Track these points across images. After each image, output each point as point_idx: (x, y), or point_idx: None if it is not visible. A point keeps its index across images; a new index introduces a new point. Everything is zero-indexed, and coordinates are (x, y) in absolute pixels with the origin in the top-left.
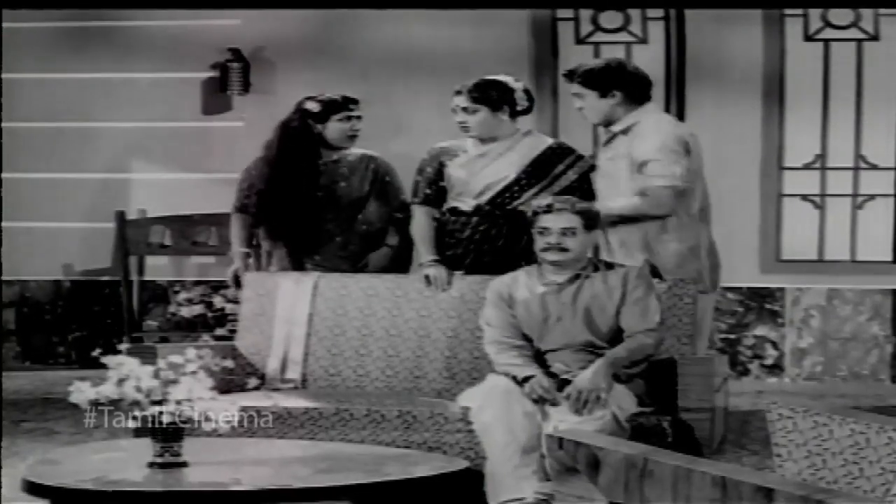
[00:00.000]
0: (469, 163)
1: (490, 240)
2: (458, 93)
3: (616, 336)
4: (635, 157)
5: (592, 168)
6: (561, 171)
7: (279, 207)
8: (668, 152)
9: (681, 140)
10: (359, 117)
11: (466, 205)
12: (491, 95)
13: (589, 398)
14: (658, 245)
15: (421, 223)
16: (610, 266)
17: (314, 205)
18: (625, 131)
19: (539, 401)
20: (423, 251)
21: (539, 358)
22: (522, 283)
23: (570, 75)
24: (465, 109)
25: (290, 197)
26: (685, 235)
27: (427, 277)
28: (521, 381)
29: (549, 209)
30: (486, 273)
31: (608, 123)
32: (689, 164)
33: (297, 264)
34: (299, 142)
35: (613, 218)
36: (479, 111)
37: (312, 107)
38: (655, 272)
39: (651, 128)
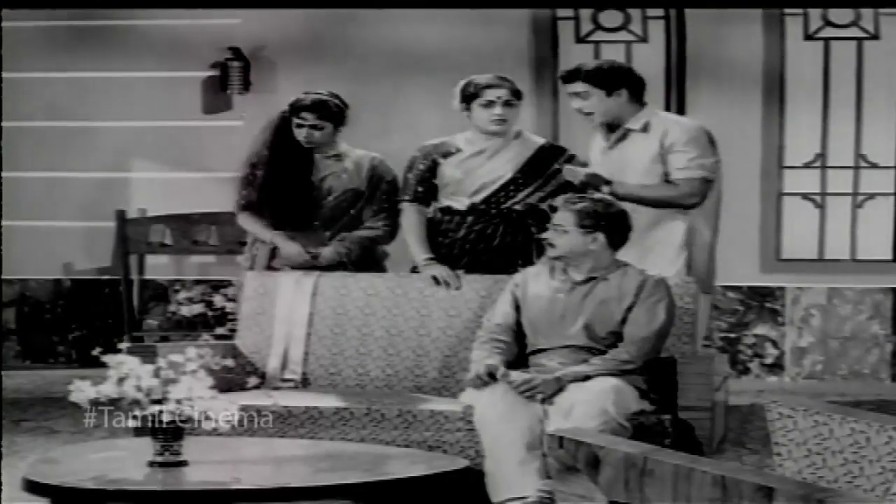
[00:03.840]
0: (464, 161)
1: (486, 239)
2: (495, 85)
3: (615, 342)
4: (666, 150)
5: (583, 167)
6: (554, 170)
7: (279, 198)
8: (697, 144)
9: (707, 133)
10: (314, 126)
11: (461, 204)
12: (519, 91)
13: (527, 391)
14: (697, 240)
15: (413, 222)
16: (634, 272)
17: (310, 195)
18: (644, 129)
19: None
20: (418, 251)
21: (536, 354)
22: (542, 278)
23: (573, 75)
24: (506, 103)
25: (288, 187)
26: (712, 231)
27: (434, 278)
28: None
29: (555, 206)
30: (483, 273)
31: (615, 122)
32: (718, 158)
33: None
34: (284, 135)
35: (643, 200)
36: (515, 105)
37: (289, 104)
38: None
39: (673, 122)
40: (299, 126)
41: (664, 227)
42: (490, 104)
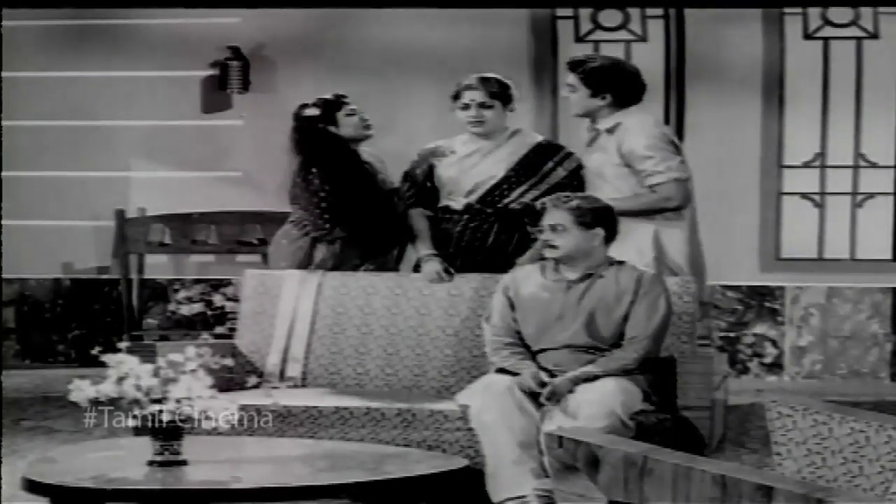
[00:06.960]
0: (458, 161)
1: (480, 238)
2: (470, 87)
3: (618, 340)
4: (626, 157)
5: (582, 165)
6: (550, 168)
7: (354, 210)
8: (658, 149)
9: (667, 137)
10: (357, 109)
11: (457, 203)
12: (503, 91)
13: (550, 398)
14: (668, 242)
15: (416, 223)
16: (629, 269)
17: (381, 200)
18: (610, 130)
19: (533, 396)
20: (420, 246)
21: (535, 356)
22: (533, 278)
23: (574, 66)
24: (481, 105)
25: (361, 197)
26: (690, 233)
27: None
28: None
29: (543, 206)
30: (479, 272)
31: (588, 118)
32: (682, 157)
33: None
34: (331, 145)
35: (626, 212)
36: (495, 106)
37: (313, 112)
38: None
39: (636, 127)
40: (353, 113)
41: (626, 235)
42: (466, 107)
